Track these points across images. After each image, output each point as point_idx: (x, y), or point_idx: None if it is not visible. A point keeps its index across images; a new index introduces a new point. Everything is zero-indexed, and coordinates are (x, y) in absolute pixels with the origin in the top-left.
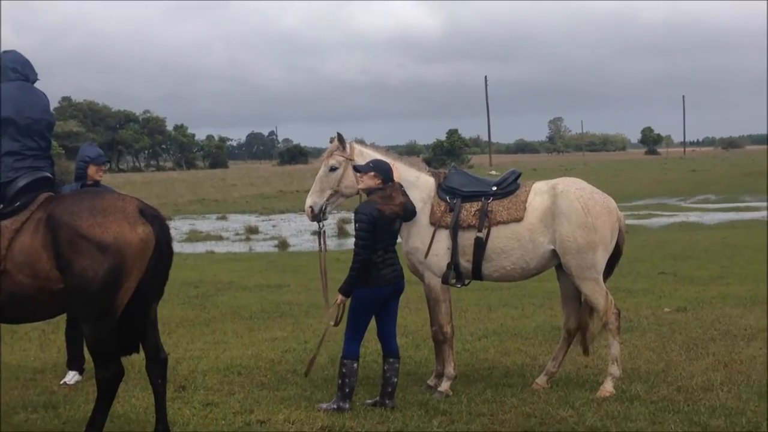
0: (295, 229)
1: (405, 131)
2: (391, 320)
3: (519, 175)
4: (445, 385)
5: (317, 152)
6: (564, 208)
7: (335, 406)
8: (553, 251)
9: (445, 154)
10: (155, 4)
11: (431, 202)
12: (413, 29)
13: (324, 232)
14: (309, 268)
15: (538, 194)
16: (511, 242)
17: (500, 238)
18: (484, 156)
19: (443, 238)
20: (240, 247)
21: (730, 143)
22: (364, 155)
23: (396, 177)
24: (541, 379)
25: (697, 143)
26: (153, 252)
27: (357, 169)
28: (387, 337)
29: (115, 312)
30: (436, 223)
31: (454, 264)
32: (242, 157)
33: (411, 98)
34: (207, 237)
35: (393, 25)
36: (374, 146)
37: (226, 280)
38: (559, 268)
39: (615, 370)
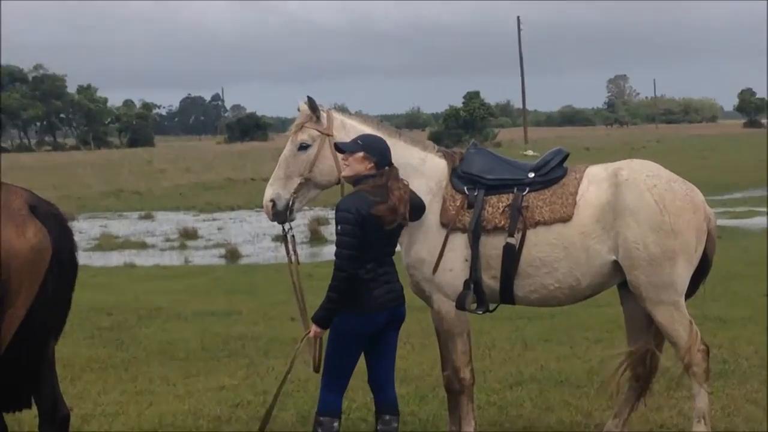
0: (250, 233)
1: (404, 95)
2: (387, 361)
3: (566, 157)
4: None
5: (281, 124)
6: (631, 203)
7: None
8: (615, 263)
9: (461, 127)
10: None
11: (442, 195)
12: None
13: (292, 236)
14: (269, 288)
15: (593, 183)
16: (556, 251)
17: (540, 245)
18: (517, 129)
19: (459, 245)
20: (172, 259)
21: None
22: (348, 128)
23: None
24: None
25: None
26: (49, 265)
27: (339, 148)
28: (381, 384)
29: None
30: (449, 225)
31: (474, 282)
32: (174, 130)
33: (409, 48)
34: (125, 244)
35: None
36: (361, 116)
37: (153, 306)
38: (624, 287)
39: (702, 429)
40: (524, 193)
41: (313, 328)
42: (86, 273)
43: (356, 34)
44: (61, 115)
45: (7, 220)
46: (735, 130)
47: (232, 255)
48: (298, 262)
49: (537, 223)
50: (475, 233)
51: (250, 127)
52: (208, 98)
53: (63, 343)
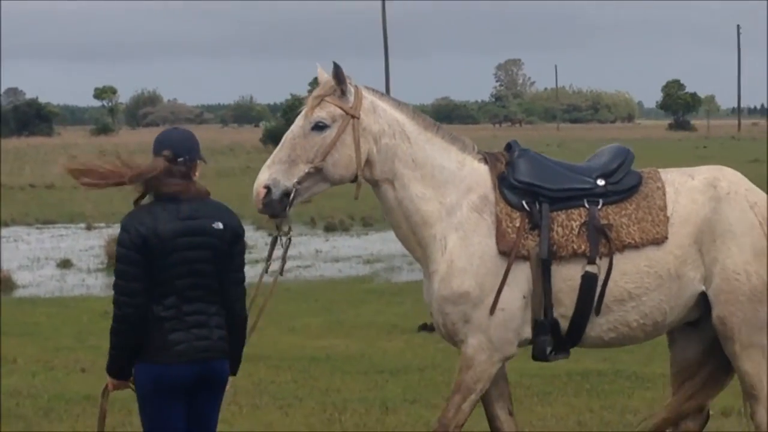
0: (29, 257)
1: (232, 80)
2: None
3: (633, 158)
4: None
5: (72, 113)
6: (734, 223)
7: None
8: (702, 296)
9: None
10: None
11: (495, 213)
12: None
13: (288, 239)
14: (52, 329)
15: (683, 194)
16: (647, 280)
17: (630, 273)
18: None
19: (517, 277)
20: None
21: None
22: (379, 113)
23: (411, 159)
24: None
25: (764, 111)
26: None
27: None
28: None
29: None
30: (509, 252)
31: (550, 323)
32: None
33: (230, 20)
34: None
35: None
36: (395, 100)
37: None
38: (691, 326)
39: None
40: (599, 207)
41: (108, 380)
42: None
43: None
44: None
45: None
46: (658, 133)
47: (5, 285)
48: (281, 273)
49: (625, 247)
50: (547, 261)
51: (31, 117)
52: None
53: None
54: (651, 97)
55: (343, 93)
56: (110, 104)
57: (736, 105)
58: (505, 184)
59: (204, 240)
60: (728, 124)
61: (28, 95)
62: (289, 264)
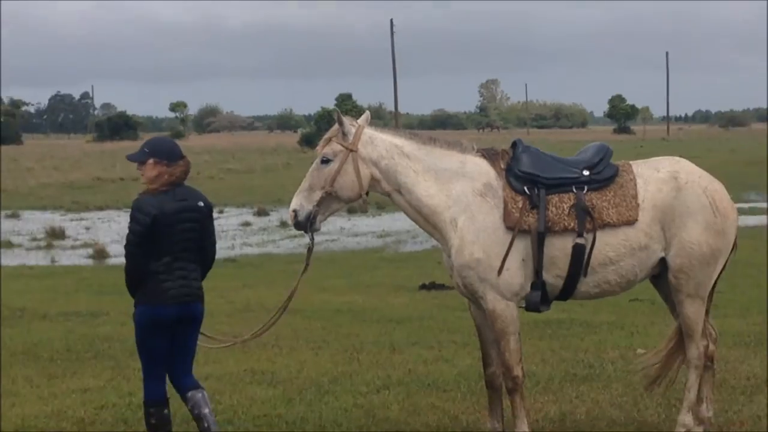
0: (118, 233)
1: (274, 96)
2: (182, 362)
3: (611, 154)
4: None
5: (152, 123)
6: (691, 206)
7: None
8: (662, 260)
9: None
10: None
11: (503, 196)
12: None
13: (310, 248)
14: None
15: (651, 183)
16: (622, 250)
17: (609, 245)
18: None
19: (518, 246)
20: (38, 258)
21: (730, 120)
22: (376, 143)
23: (424, 164)
24: None
25: (686, 119)
26: None
27: (131, 159)
28: (176, 374)
29: None
30: (515, 227)
31: (541, 283)
32: (43, 128)
33: (268, 49)
34: None
35: None
36: (393, 129)
37: (16, 306)
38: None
39: (688, 420)
40: (584, 192)
41: None
42: None
43: (209, 33)
44: None
45: None
46: (606, 136)
47: (100, 255)
48: (305, 270)
49: (605, 225)
50: (542, 234)
51: (120, 126)
52: (77, 96)
53: None
54: (599, 108)
55: (344, 133)
56: (182, 115)
57: (665, 114)
58: (511, 173)
59: (192, 215)
60: (660, 129)
61: (119, 108)
62: (319, 239)
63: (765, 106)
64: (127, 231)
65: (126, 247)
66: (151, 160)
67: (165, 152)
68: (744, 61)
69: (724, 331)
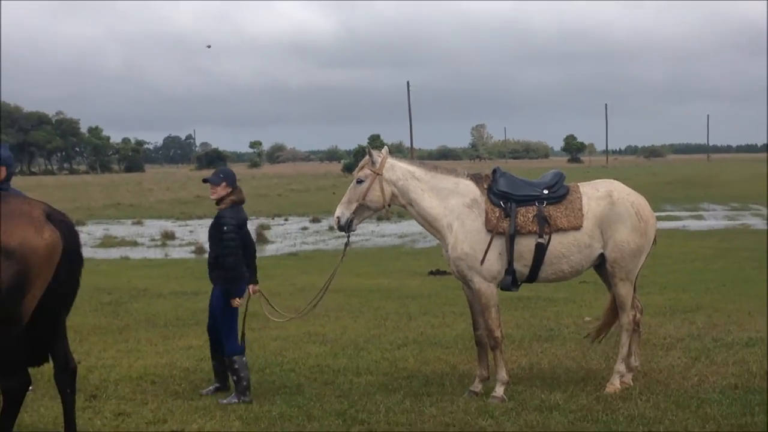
0: None
1: (326, 135)
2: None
3: (564, 178)
4: (500, 390)
5: (237, 156)
6: (622, 214)
7: (236, 400)
8: (601, 254)
9: None
10: (37, 4)
11: (484, 209)
12: (307, 33)
13: (347, 244)
14: None
15: (592, 200)
16: (571, 248)
17: (562, 244)
18: None
19: (496, 243)
20: (155, 253)
21: (652, 152)
22: (395, 169)
23: (429, 185)
24: None
25: (620, 152)
26: (60, 258)
27: (207, 181)
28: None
29: (20, 320)
30: (493, 230)
31: (512, 271)
32: (159, 161)
33: (318, 103)
34: (121, 242)
35: (286, 28)
36: (408, 159)
37: (141, 287)
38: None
39: (621, 368)
40: (543, 206)
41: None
42: (92, 264)
43: (272, 92)
44: (76, 149)
45: (29, 224)
46: (561, 165)
47: (200, 251)
48: (342, 260)
49: (559, 230)
50: (513, 236)
51: (214, 159)
52: (183, 137)
53: (74, 314)
54: (558, 144)
55: (373, 162)
56: (258, 150)
57: (605, 148)
58: (491, 192)
59: (246, 224)
60: (601, 159)
61: (213, 146)
62: (355, 238)
63: (678, 142)
64: (226, 234)
65: (226, 243)
66: (223, 183)
67: (232, 179)
68: (662, 108)
69: (647, 303)
